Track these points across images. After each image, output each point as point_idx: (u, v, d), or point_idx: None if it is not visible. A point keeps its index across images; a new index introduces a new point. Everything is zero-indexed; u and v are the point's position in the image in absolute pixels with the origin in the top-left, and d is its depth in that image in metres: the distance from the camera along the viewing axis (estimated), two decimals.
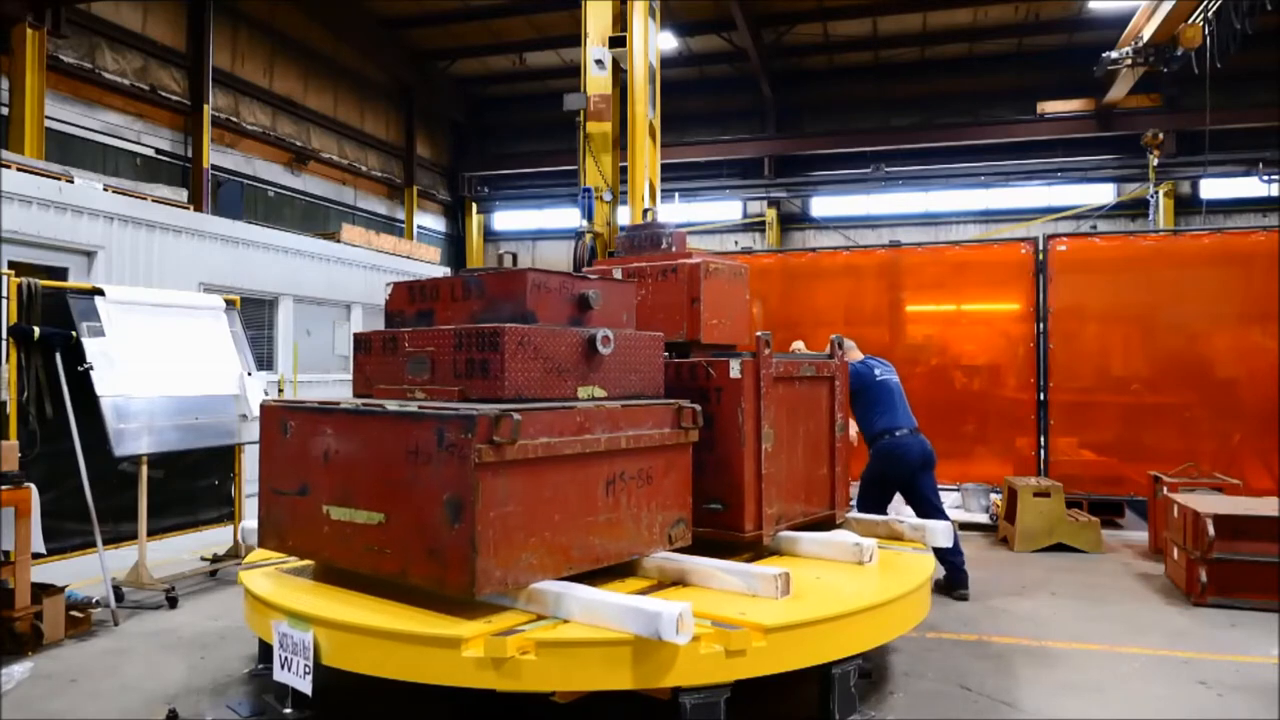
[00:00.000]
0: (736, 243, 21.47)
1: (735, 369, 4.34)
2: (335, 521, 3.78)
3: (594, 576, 3.72)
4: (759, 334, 4.44)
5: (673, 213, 20.26)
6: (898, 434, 5.89)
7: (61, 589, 5.03)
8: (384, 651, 3.34)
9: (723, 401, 4.34)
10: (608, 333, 3.97)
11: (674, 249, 5.21)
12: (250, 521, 4.65)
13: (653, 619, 3.13)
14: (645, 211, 8.58)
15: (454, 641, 3.21)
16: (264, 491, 4.17)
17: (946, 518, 5.68)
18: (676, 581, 3.94)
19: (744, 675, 3.32)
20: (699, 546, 4.19)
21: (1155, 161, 16.88)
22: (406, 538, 3.49)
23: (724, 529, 4.36)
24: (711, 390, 4.37)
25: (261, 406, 4.25)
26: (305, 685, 3.50)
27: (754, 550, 4.47)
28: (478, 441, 3.25)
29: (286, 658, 3.56)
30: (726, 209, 22.59)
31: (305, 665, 3.49)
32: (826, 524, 5.02)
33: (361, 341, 4.24)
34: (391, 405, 3.65)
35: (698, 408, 4.18)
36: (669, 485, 4.07)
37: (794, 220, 22.08)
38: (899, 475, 5.91)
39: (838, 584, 4.03)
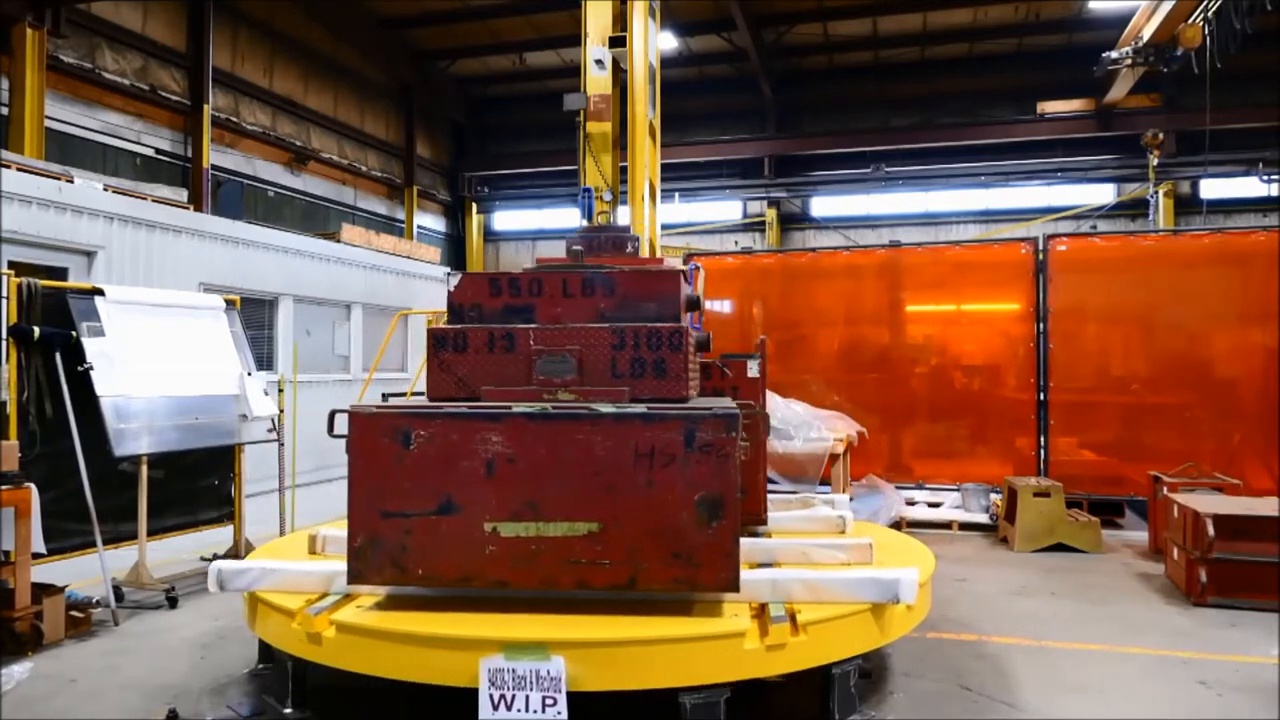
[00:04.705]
0: (736, 243, 21.45)
1: (754, 369, 4.72)
2: (507, 539, 3.50)
3: None
4: (761, 338, 4.90)
5: (673, 213, 20.30)
6: None
7: (61, 589, 5.03)
8: (660, 660, 3.28)
9: (739, 398, 4.62)
10: (708, 334, 4.16)
11: (639, 253, 5.44)
12: (227, 562, 4.04)
13: (892, 586, 3.55)
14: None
15: (737, 635, 3.33)
16: (363, 516, 3.58)
17: None
18: (765, 562, 4.17)
19: (909, 629, 3.89)
20: None
21: (1155, 161, 16.88)
22: (637, 544, 3.44)
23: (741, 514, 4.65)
24: (727, 389, 4.69)
25: (356, 415, 3.62)
26: None
27: (750, 530, 4.77)
28: (740, 439, 3.39)
29: (508, 695, 3.22)
30: (726, 209, 22.58)
31: (551, 698, 3.18)
32: None
33: (449, 338, 3.78)
34: (604, 408, 3.52)
35: (752, 403, 4.47)
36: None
37: (794, 220, 22.07)
38: None
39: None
